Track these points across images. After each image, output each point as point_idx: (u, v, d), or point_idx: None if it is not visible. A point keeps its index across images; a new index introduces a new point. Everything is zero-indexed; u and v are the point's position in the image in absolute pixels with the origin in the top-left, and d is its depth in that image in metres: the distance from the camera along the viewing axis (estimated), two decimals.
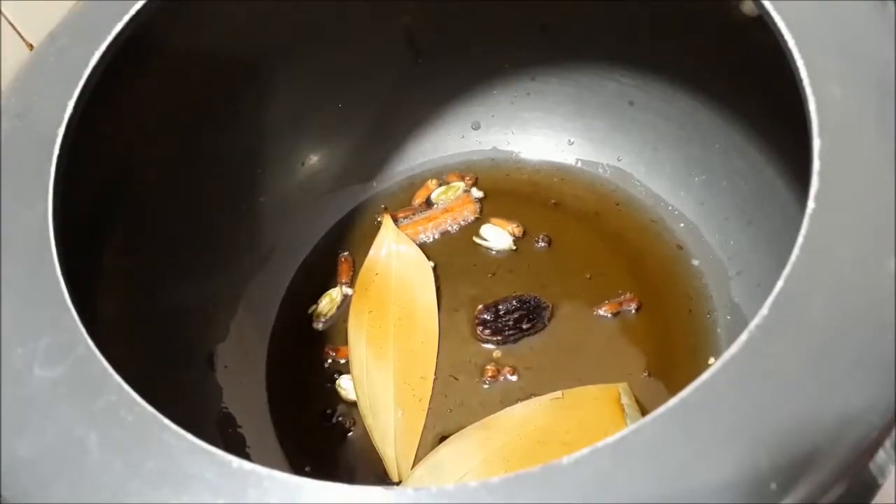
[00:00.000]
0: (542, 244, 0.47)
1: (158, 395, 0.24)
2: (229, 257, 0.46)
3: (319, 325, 0.46)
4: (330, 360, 0.45)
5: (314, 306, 0.47)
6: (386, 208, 0.50)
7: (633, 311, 0.43)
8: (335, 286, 0.47)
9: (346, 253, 0.49)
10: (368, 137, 0.50)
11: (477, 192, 0.50)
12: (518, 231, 0.48)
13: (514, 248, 0.47)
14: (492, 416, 0.40)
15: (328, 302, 0.47)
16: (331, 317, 0.46)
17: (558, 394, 0.40)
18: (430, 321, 0.45)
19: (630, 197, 0.48)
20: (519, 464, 0.38)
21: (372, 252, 0.47)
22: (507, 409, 0.40)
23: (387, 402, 0.42)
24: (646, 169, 0.48)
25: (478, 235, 0.48)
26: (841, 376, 0.21)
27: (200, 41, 0.40)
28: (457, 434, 0.40)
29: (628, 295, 0.44)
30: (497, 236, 0.48)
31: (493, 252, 0.47)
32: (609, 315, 0.44)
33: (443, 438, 0.41)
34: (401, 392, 0.42)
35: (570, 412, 0.40)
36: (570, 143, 0.50)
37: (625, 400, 0.40)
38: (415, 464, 0.40)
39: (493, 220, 0.49)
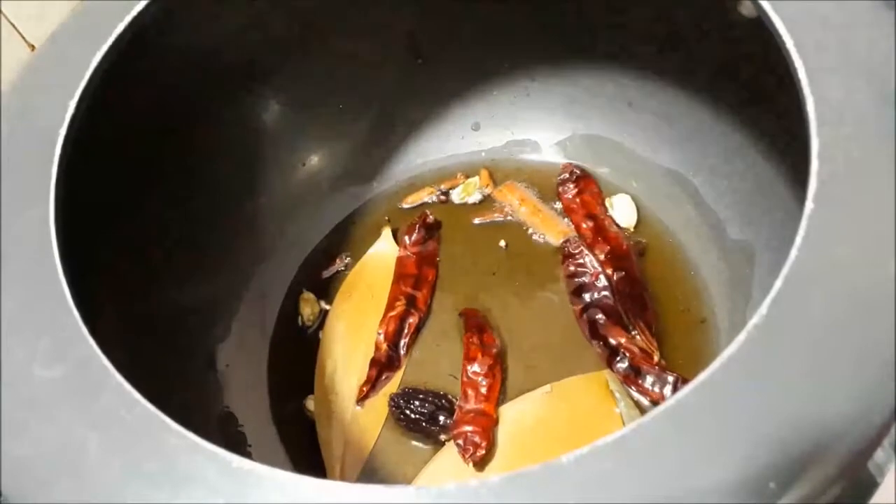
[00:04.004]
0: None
1: (158, 394, 0.24)
2: (230, 257, 0.46)
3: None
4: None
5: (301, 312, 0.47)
6: (389, 220, 0.50)
7: None
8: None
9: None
10: (368, 138, 0.50)
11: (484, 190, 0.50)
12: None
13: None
14: None
15: (309, 307, 0.47)
16: (315, 319, 0.46)
17: (547, 388, 0.41)
18: None
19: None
20: (518, 460, 0.38)
21: (356, 267, 0.48)
22: (500, 407, 0.40)
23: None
24: (645, 169, 0.48)
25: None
26: (840, 376, 0.21)
27: (201, 42, 0.40)
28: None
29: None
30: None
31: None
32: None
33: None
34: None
35: (562, 404, 0.40)
36: (570, 144, 0.50)
37: (613, 386, 0.40)
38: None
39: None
